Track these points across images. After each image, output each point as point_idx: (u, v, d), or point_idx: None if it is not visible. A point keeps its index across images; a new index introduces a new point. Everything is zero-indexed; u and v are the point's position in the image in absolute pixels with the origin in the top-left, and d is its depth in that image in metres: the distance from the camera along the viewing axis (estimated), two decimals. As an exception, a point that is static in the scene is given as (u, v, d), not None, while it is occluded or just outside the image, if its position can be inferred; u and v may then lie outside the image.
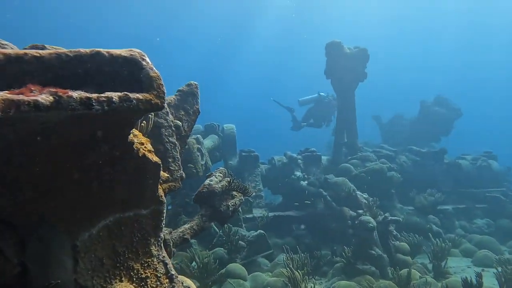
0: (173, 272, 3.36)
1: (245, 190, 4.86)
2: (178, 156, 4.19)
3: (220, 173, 5.02)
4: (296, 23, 52.78)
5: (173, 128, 4.21)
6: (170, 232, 4.14)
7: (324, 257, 8.56)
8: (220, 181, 4.87)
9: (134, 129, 3.35)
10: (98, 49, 2.03)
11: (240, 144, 13.80)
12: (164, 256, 3.35)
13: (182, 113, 4.50)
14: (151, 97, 2.01)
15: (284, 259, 7.73)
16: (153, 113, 3.89)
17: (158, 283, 3.22)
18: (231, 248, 8.46)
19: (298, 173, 11.21)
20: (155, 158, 3.08)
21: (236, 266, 7.70)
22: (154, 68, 2.09)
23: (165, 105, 4.28)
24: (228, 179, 4.88)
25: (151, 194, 3.22)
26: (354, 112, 12.47)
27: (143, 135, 3.81)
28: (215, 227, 9.28)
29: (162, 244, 3.37)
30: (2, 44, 2.39)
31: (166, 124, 4.14)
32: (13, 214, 2.43)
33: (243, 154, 11.69)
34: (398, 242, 7.68)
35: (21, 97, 1.61)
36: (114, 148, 2.61)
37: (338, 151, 12.36)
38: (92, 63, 2.02)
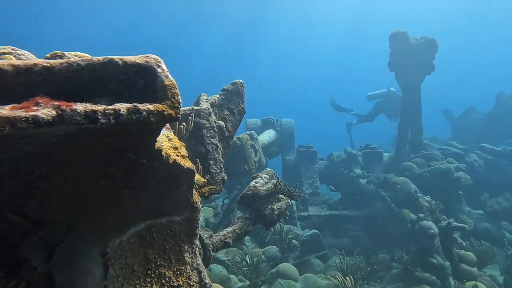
0: (207, 280, 3.25)
1: (291, 193, 4.63)
2: (220, 158, 4.06)
3: (267, 174, 4.83)
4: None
5: (216, 129, 4.08)
6: (211, 236, 4.03)
7: (381, 261, 8.09)
8: (266, 183, 4.68)
9: (169, 133, 3.26)
10: (111, 57, 1.92)
11: (299, 139, 13.56)
12: (198, 264, 3.25)
13: (227, 112, 4.36)
14: (163, 108, 1.86)
15: (338, 263, 7.40)
16: (193, 114, 3.78)
17: (190, 292, 3.12)
18: (284, 247, 8.28)
19: (357, 171, 10.72)
20: (187, 164, 2.96)
21: (287, 266, 7.51)
22: (170, 76, 1.93)
23: (209, 107, 4.17)
24: (274, 181, 4.67)
25: (184, 200, 3.13)
26: (420, 107, 11.60)
27: (182, 137, 3.73)
28: (268, 224, 9.15)
29: (196, 251, 3.26)
30: (19, 54, 2.37)
31: (208, 125, 4.02)
32: (41, 223, 2.43)
33: (301, 149, 11.41)
34: (463, 251, 7.01)
35: (17, 113, 1.52)
36: (139, 156, 2.50)
37: (401, 148, 11.62)
38: (106, 71, 1.91)
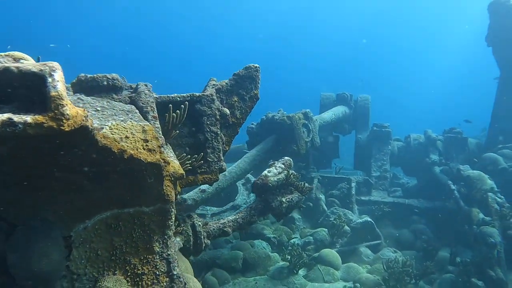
0: (176, 272, 3.28)
1: (301, 188, 4.37)
2: (219, 147, 3.96)
3: (283, 164, 4.62)
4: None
5: (218, 117, 3.97)
6: (206, 224, 4.04)
7: (441, 260, 7.36)
8: (280, 173, 4.50)
9: (146, 124, 3.26)
10: (8, 65, 1.92)
11: (381, 117, 12.70)
12: (169, 254, 3.28)
13: (236, 99, 4.20)
14: (43, 120, 1.83)
15: (385, 257, 6.91)
16: (186, 103, 3.72)
17: (155, 280, 3.19)
18: (334, 232, 7.99)
19: (434, 157, 9.69)
20: (151, 158, 2.95)
21: (329, 253, 7.25)
22: (59, 86, 1.87)
23: (212, 93, 4.06)
24: (287, 172, 4.45)
25: (154, 192, 3.14)
26: None
27: (176, 125, 3.71)
28: (324, 206, 8.87)
29: (169, 242, 3.29)
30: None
31: (209, 112, 3.94)
32: (4, 209, 2.66)
33: (375, 128, 10.64)
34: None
35: None
36: (87, 152, 2.54)
37: (492, 136, 10.09)
38: (3, 80, 1.93)
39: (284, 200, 4.34)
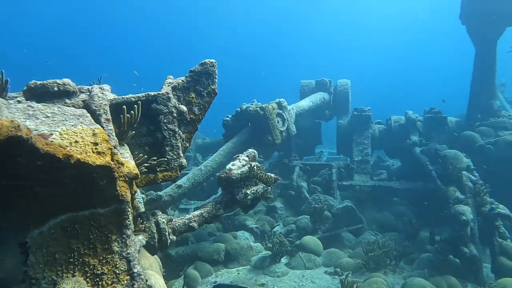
0: (137, 270, 3.34)
1: (265, 180, 4.42)
2: (178, 144, 4.01)
3: (247, 156, 4.68)
4: None
5: (175, 115, 4.01)
6: (170, 220, 4.10)
7: (421, 241, 7.48)
8: (244, 165, 4.55)
9: (96, 127, 3.30)
10: None
11: (367, 101, 12.72)
12: (129, 253, 3.34)
13: (193, 95, 4.23)
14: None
15: (364, 242, 7.00)
16: (140, 103, 3.76)
17: (115, 279, 3.25)
18: (315, 218, 8.09)
19: (414, 138, 9.77)
20: (99, 161, 2.99)
21: (311, 240, 7.36)
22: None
23: (168, 91, 4.09)
24: (250, 165, 4.51)
25: (108, 193, 3.18)
26: (494, 66, 9.80)
27: (132, 125, 3.76)
28: (306, 194, 8.96)
29: (128, 241, 3.35)
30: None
31: (166, 110, 3.97)
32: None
33: (355, 113, 10.68)
34: (506, 242, 6.10)
35: None
36: (31, 160, 2.59)
37: (471, 114, 10.12)
38: None
39: (249, 192, 4.39)
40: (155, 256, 4.91)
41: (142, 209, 4.33)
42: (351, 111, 11.21)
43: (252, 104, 7.92)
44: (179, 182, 6.60)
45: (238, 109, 8.15)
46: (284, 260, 7.10)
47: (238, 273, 6.70)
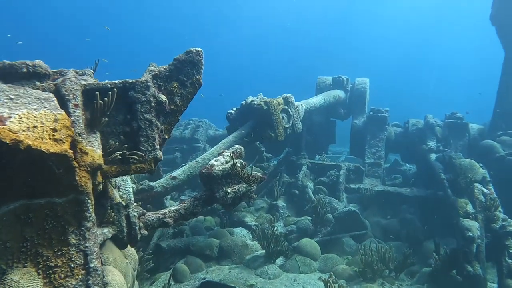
0: (94, 264, 3.18)
1: (247, 179, 4.18)
2: (154, 135, 3.81)
3: (232, 152, 4.45)
4: None
5: (153, 104, 3.82)
6: (143, 214, 3.93)
7: (425, 252, 7.07)
8: (228, 162, 4.33)
9: (59, 112, 3.14)
10: None
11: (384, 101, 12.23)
12: (86, 247, 3.18)
13: (175, 85, 4.02)
14: None
15: (362, 249, 6.66)
16: (115, 90, 3.59)
17: (69, 273, 3.10)
18: (317, 220, 7.79)
19: (431, 143, 9.27)
20: (54, 149, 2.82)
21: (308, 243, 7.07)
22: None
23: (148, 79, 3.90)
24: (233, 161, 4.28)
25: (66, 182, 3.03)
26: None
27: (105, 113, 3.59)
28: (310, 194, 8.65)
29: (87, 234, 3.19)
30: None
31: (143, 99, 3.77)
32: None
33: (371, 113, 10.24)
34: (515, 262, 5.63)
35: None
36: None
37: (495, 122, 9.50)
38: None
39: (229, 191, 4.17)
40: (133, 249, 4.77)
41: (119, 200, 4.16)
42: (367, 111, 10.77)
43: (257, 98, 7.66)
44: (174, 174, 6.45)
45: (243, 102, 7.91)
46: (279, 261, 6.86)
47: (230, 271, 6.51)
